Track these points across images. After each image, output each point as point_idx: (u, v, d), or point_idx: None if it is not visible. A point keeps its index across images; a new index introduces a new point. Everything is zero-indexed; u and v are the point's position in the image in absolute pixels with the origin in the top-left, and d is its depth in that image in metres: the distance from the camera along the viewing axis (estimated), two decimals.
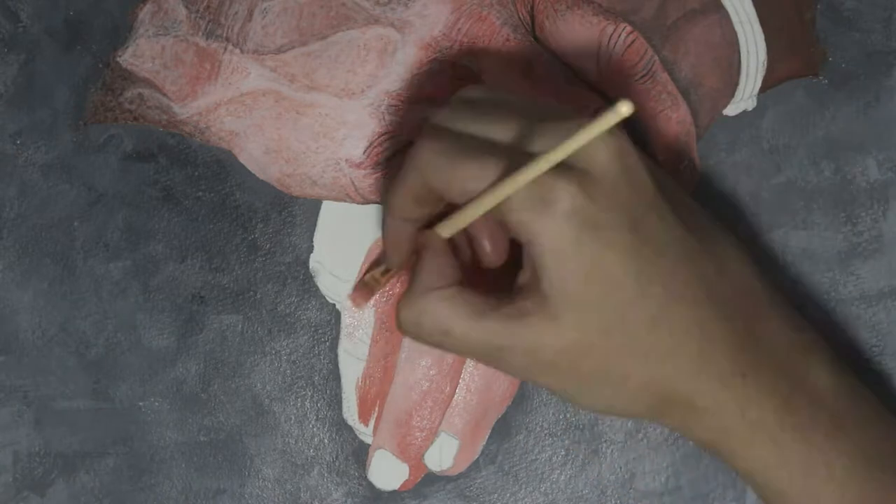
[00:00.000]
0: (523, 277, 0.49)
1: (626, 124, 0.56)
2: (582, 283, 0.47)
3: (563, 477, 0.60)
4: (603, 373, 0.49)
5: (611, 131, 0.46)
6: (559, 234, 0.46)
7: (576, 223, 0.46)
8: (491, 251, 0.51)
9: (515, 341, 0.48)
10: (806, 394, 0.51)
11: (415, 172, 0.48)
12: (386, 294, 0.59)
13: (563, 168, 0.46)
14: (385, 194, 0.51)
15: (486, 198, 0.47)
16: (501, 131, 0.48)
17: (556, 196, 0.46)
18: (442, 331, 0.49)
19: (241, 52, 0.57)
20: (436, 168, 0.48)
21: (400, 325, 0.50)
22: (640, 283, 0.48)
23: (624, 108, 0.44)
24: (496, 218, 0.48)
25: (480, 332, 0.49)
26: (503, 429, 0.60)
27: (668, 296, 0.48)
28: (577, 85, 0.56)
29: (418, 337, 0.50)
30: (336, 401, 0.60)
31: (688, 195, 0.54)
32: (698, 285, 0.49)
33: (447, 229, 0.50)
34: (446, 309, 0.49)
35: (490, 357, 0.49)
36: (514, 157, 0.46)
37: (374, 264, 0.58)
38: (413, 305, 0.49)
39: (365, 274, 0.57)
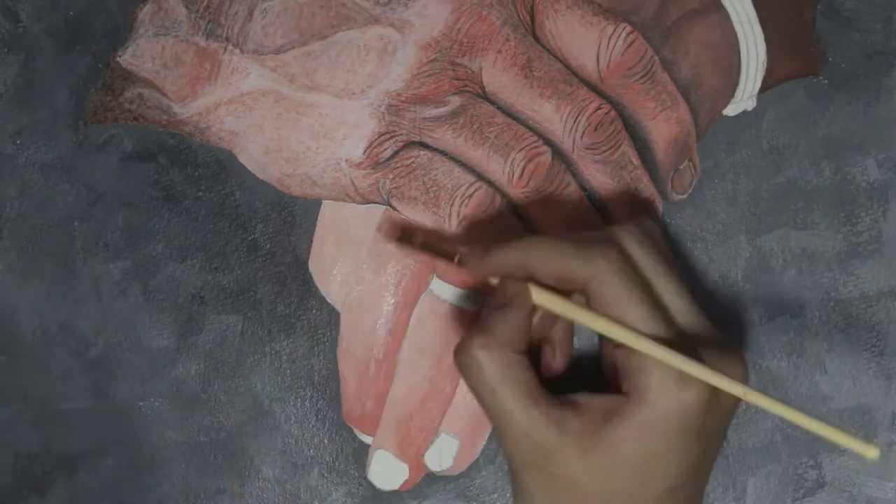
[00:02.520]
0: (589, 404, 0.51)
1: (627, 125, 0.57)
2: (636, 455, 0.50)
3: None
4: None
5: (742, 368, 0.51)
6: (669, 416, 0.50)
7: (682, 423, 0.50)
8: (559, 362, 0.56)
9: (541, 440, 0.51)
10: None
11: (586, 272, 0.50)
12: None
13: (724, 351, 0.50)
14: (537, 245, 0.52)
15: (625, 333, 0.50)
16: (679, 302, 0.52)
17: (688, 395, 0.49)
18: (491, 388, 0.51)
19: (241, 52, 0.57)
20: (609, 287, 0.50)
21: (463, 357, 0.51)
22: (681, 466, 0.51)
23: (871, 453, 0.49)
24: (619, 350, 0.51)
25: (521, 413, 0.51)
26: None
27: (695, 470, 0.52)
28: (577, 86, 0.56)
29: (469, 375, 0.52)
30: (336, 400, 0.60)
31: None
32: None
33: (548, 302, 0.52)
34: (507, 375, 0.51)
35: (510, 431, 0.51)
36: (680, 334, 0.51)
37: (429, 236, 0.57)
38: (483, 353, 0.51)
39: (411, 232, 0.57)
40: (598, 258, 0.50)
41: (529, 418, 0.51)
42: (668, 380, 0.49)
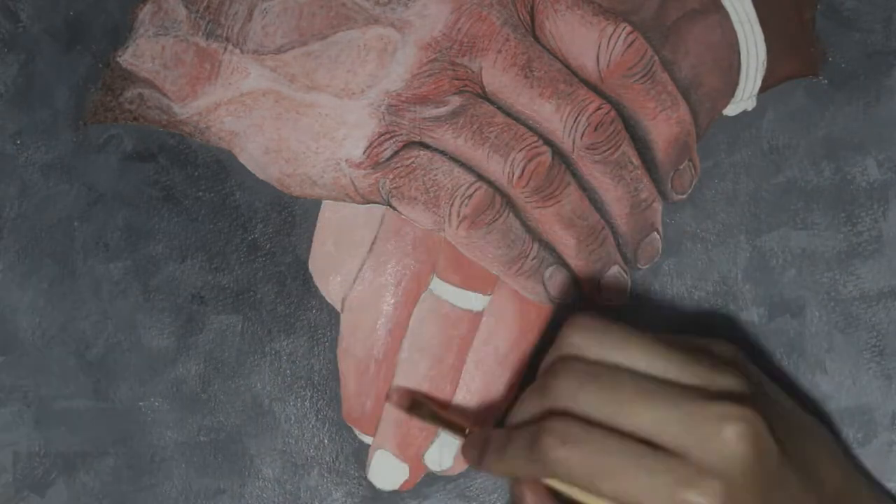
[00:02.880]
0: None
1: (627, 125, 0.57)
2: None
3: None
4: None
5: (748, 418, 0.50)
6: None
7: None
8: None
9: None
10: None
11: (544, 469, 0.51)
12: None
13: (703, 479, 0.49)
14: (505, 453, 0.53)
15: None
16: (638, 419, 0.51)
17: None
18: None
19: (241, 52, 0.56)
20: (573, 475, 0.51)
21: None
22: None
23: None
24: None
25: None
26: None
27: None
28: (577, 86, 0.56)
29: None
30: (336, 401, 0.60)
31: (835, 448, 0.58)
32: None
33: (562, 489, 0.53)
34: None
35: None
36: (669, 466, 0.50)
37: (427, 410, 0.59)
38: None
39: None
40: (544, 453, 0.51)
41: None
42: None
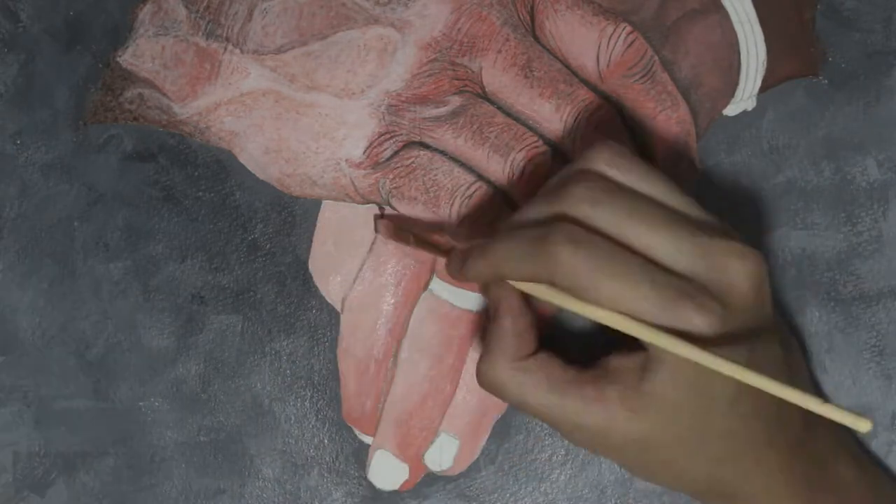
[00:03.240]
0: (621, 363, 0.51)
1: (627, 127, 0.57)
2: (682, 393, 0.49)
3: (562, 477, 0.61)
4: (667, 465, 0.52)
5: (755, 257, 0.49)
6: (686, 359, 0.49)
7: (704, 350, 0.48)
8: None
9: (591, 422, 0.51)
10: None
11: (543, 269, 0.49)
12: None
13: (704, 297, 0.48)
14: (496, 252, 0.51)
15: (614, 318, 0.49)
16: (651, 238, 0.49)
17: (692, 331, 0.48)
18: (520, 401, 0.52)
19: (241, 52, 0.57)
20: (576, 276, 0.48)
21: (482, 384, 0.53)
22: (733, 399, 0.50)
23: (862, 426, 0.47)
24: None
25: (557, 409, 0.51)
26: (503, 429, 0.60)
27: (752, 411, 0.51)
28: (577, 86, 0.56)
29: (500, 397, 0.53)
30: (336, 401, 0.60)
31: (788, 334, 0.58)
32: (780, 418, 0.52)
33: (535, 292, 0.51)
34: (527, 382, 0.51)
35: (560, 428, 0.52)
36: (672, 282, 0.49)
37: (423, 233, 0.57)
38: (496, 374, 0.52)
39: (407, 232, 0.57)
40: (550, 250, 0.49)
41: (568, 411, 0.51)
42: (672, 322, 0.49)
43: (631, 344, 0.51)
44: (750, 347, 0.49)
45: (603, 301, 0.49)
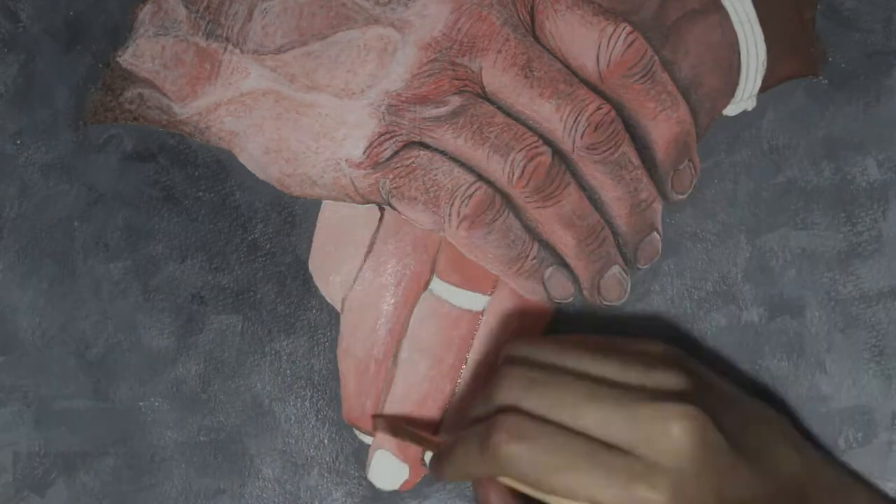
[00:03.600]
0: None
1: (627, 125, 0.57)
2: None
3: None
4: None
5: (692, 415, 0.51)
6: None
7: None
8: None
9: None
10: None
11: (497, 467, 0.52)
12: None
13: (654, 475, 0.51)
14: (456, 457, 0.54)
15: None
16: (585, 419, 0.52)
17: None
18: None
19: (241, 52, 0.56)
20: (526, 471, 0.52)
21: None
22: None
23: None
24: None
25: None
26: None
27: None
28: (577, 86, 0.56)
29: None
30: (336, 400, 0.61)
31: (796, 436, 0.58)
32: None
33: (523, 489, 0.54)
34: None
35: None
36: (617, 463, 0.51)
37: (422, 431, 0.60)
38: None
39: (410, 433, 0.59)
40: (494, 450, 0.52)
41: None
42: None
43: None
44: (717, 492, 0.52)
45: (559, 492, 0.51)
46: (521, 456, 0.51)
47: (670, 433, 0.51)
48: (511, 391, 0.53)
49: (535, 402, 0.53)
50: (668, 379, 0.53)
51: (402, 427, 0.59)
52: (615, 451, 0.51)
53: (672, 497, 0.50)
